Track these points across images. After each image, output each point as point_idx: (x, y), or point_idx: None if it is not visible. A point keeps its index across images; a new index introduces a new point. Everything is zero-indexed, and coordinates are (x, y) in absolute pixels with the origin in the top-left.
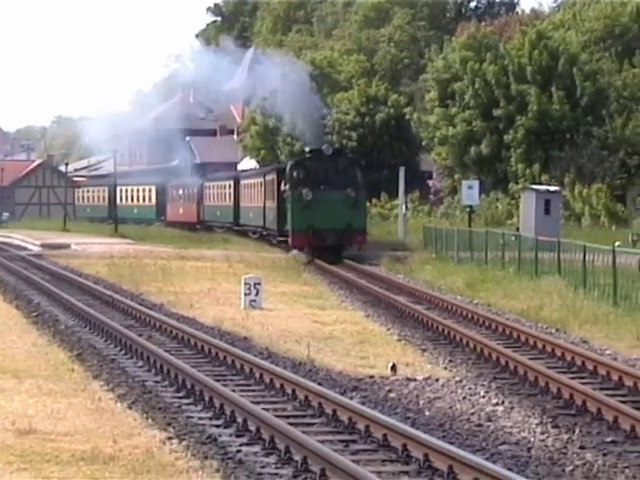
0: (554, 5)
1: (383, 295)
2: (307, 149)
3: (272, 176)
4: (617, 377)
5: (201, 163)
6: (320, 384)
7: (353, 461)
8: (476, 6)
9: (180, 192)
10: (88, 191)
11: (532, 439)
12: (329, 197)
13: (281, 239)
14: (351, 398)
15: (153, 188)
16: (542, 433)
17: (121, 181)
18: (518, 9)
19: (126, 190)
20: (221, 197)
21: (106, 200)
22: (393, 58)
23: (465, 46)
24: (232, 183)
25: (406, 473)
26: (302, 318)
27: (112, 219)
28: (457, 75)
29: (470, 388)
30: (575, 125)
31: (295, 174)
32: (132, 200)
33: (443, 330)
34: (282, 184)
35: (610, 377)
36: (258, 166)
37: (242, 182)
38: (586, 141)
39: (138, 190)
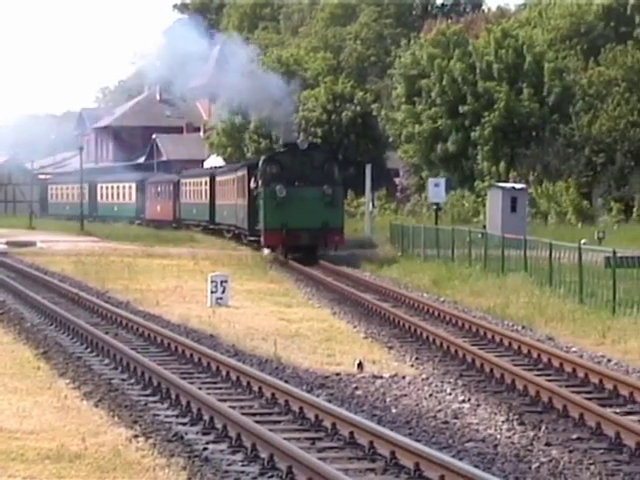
0: (520, 3)
1: (349, 293)
2: (280, 143)
3: (243, 172)
4: (583, 374)
5: (167, 160)
6: (287, 382)
7: (320, 459)
8: (442, 4)
9: (158, 189)
10: (67, 188)
11: (498, 436)
12: (304, 194)
13: (252, 238)
14: (318, 396)
15: (133, 185)
16: (508, 430)
17: (101, 178)
18: (484, 7)
19: (106, 187)
20: (197, 194)
21: (86, 197)
22: (359, 55)
23: (432, 43)
24: (208, 180)
25: (372, 470)
26: (268, 316)
27: (92, 217)
28: (424, 72)
29: (437, 385)
30: (542, 123)
31: (268, 169)
32: (112, 198)
33: (410, 327)
34: (252, 180)
35: (576, 374)
36: (224, 163)
37: (217, 179)
38: (552, 139)
39: (118, 187)
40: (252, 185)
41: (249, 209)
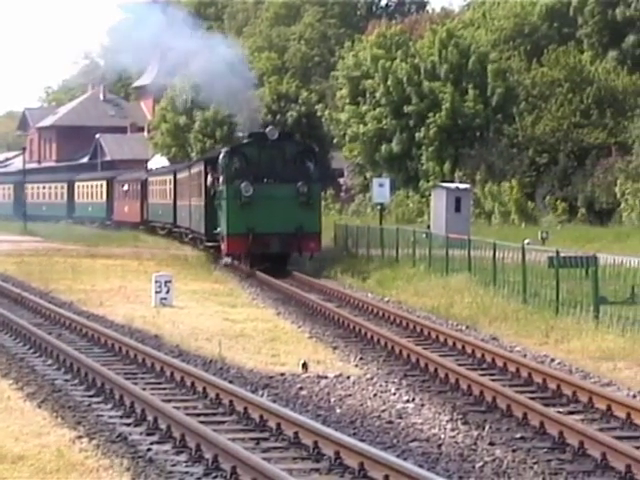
0: (464, 4)
1: (294, 293)
2: (241, 134)
3: (198, 168)
4: (526, 374)
5: (111, 160)
6: (231, 382)
7: (264, 459)
8: (387, 4)
9: (125, 188)
10: (44, 187)
11: (442, 436)
12: (274, 193)
13: (210, 244)
14: (262, 396)
15: (104, 183)
16: (452, 430)
17: (79, 177)
18: (428, 7)
19: (79, 186)
20: (162, 194)
21: (64, 197)
22: (304, 56)
23: (376, 44)
24: (172, 178)
25: (317, 471)
26: (213, 316)
27: (71, 217)
28: (368, 73)
29: (381, 385)
30: (486, 123)
31: (231, 164)
32: (85, 197)
33: (354, 327)
34: (209, 177)
35: (520, 374)
36: (169, 163)
37: (178, 176)
38: (496, 139)
39: (90, 186)
40: (209, 182)
41: (206, 211)
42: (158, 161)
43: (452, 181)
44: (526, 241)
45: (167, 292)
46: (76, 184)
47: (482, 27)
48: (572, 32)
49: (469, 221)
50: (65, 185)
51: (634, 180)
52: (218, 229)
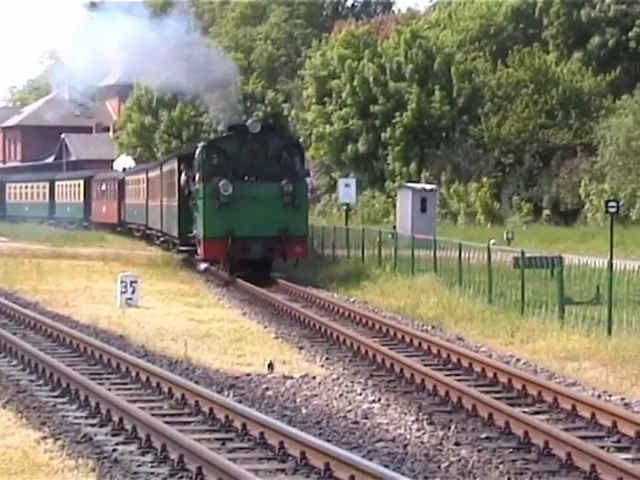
0: (430, 4)
1: (260, 293)
2: (220, 128)
3: (171, 165)
4: (492, 374)
5: (76, 160)
6: (197, 382)
7: (230, 459)
8: (353, 4)
9: (103, 187)
10: (26, 187)
11: (408, 436)
12: (256, 192)
13: (185, 249)
14: (228, 396)
15: (81, 183)
16: (418, 430)
17: (58, 176)
18: (394, 8)
19: (59, 186)
20: (136, 194)
21: (47, 197)
22: (270, 56)
23: (342, 44)
24: (144, 176)
25: (283, 471)
26: (179, 316)
27: (53, 218)
28: (335, 73)
29: (347, 386)
30: (452, 124)
31: (208, 160)
32: (64, 197)
33: (320, 328)
34: (183, 175)
35: (485, 374)
36: (134, 163)
37: (149, 174)
38: (462, 140)
39: (68, 186)
40: (183, 181)
41: (180, 212)
42: (123, 161)
43: (418, 181)
44: (492, 241)
45: (133, 292)
46: (56, 183)
47: (448, 28)
48: (537, 33)
49: (435, 221)
50: (47, 184)
51: (599, 181)
52: (194, 232)
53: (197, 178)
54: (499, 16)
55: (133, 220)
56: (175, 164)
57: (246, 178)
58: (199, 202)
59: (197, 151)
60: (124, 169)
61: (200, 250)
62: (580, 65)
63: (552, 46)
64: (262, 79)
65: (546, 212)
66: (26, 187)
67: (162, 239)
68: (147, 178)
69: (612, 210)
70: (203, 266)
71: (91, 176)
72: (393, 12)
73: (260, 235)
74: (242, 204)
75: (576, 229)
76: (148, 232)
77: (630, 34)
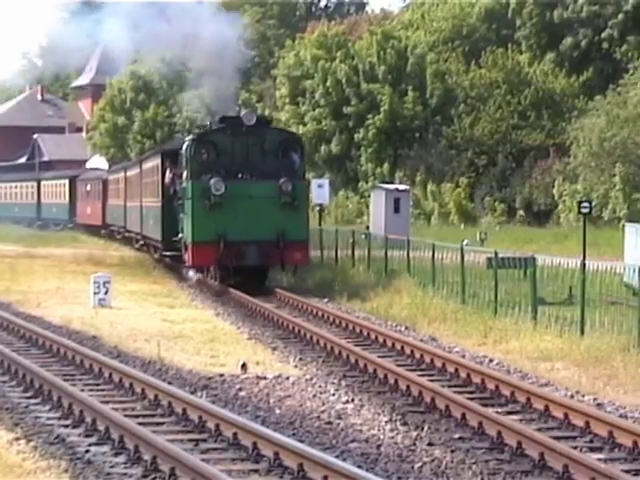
0: (403, 5)
1: (233, 293)
2: (207, 122)
3: (153, 162)
4: (465, 374)
5: (49, 161)
6: (170, 383)
7: (203, 460)
8: (326, 5)
9: (88, 187)
10: (15, 187)
11: (381, 436)
12: (251, 191)
13: (169, 254)
14: (201, 397)
15: (66, 183)
16: (391, 430)
17: (44, 175)
18: (368, 8)
19: (45, 186)
20: (116, 194)
21: (35, 197)
22: (243, 56)
23: (316, 44)
24: (123, 176)
25: (256, 472)
26: (152, 317)
27: (40, 219)
28: (308, 73)
29: (320, 386)
30: (425, 124)
31: (197, 156)
32: (49, 197)
33: (293, 328)
34: (168, 173)
35: (458, 374)
36: (107, 164)
37: (127, 173)
38: (435, 140)
39: (53, 185)
40: (168, 179)
41: (163, 213)
42: (96, 161)
43: (391, 182)
44: (465, 242)
45: (105, 293)
46: (42, 183)
47: (421, 28)
48: (510, 34)
49: (408, 222)
50: (35, 184)
51: (571, 182)
52: (179, 235)
53: (185, 176)
54: (472, 17)
55: (114, 222)
56: (158, 161)
57: (240, 176)
58: (187, 202)
59: (184, 146)
60: (110, 167)
61: (188, 256)
62: (553, 66)
63: (525, 47)
64: (235, 79)
65: (519, 212)
66: (15, 187)
67: (141, 242)
68: (125, 177)
69: (585, 211)
70: (193, 276)
71: (76, 175)
72: (366, 13)
73: (255, 239)
74: (235, 205)
75: (549, 230)
76: (127, 235)
77: (602, 35)
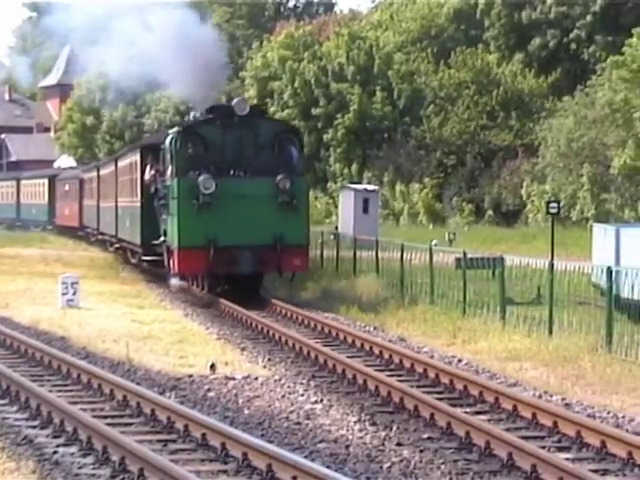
0: (372, 5)
1: (201, 294)
2: (195, 114)
3: (131, 159)
4: (434, 374)
5: (16, 161)
6: (139, 384)
7: (172, 461)
8: (295, 5)
9: (67, 187)
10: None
11: (350, 437)
12: (245, 189)
13: (148, 259)
14: (170, 397)
15: (45, 182)
16: (360, 430)
17: (23, 174)
18: (336, 9)
19: (24, 185)
20: (90, 194)
21: (14, 197)
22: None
23: (283, 45)
24: (96, 174)
25: (225, 472)
26: (120, 317)
27: (19, 220)
28: (276, 74)
29: (289, 386)
30: (393, 125)
31: (184, 150)
32: (29, 197)
33: (262, 329)
34: (148, 169)
35: (427, 374)
36: (75, 164)
37: (101, 171)
38: (404, 141)
39: (33, 185)
40: (148, 177)
41: (143, 214)
42: (65, 161)
43: (360, 182)
44: (433, 242)
45: (74, 293)
46: (21, 182)
47: (389, 29)
48: (479, 34)
49: (377, 222)
50: (14, 184)
51: (540, 182)
52: (161, 239)
53: (169, 173)
54: (440, 17)
55: (89, 223)
56: (137, 157)
57: (232, 172)
58: (172, 203)
59: (168, 139)
60: (85, 165)
61: (173, 263)
62: (521, 66)
63: (493, 47)
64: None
65: (488, 213)
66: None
67: (117, 246)
68: (98, 176)
69: (553, 211)
70: (176, 283)
71: (56, 175)
72: (335, 13)
73: (250, 244)
74: (227, 205)
75: (517, 230)
76: (100, 237)
77: (571, 36)
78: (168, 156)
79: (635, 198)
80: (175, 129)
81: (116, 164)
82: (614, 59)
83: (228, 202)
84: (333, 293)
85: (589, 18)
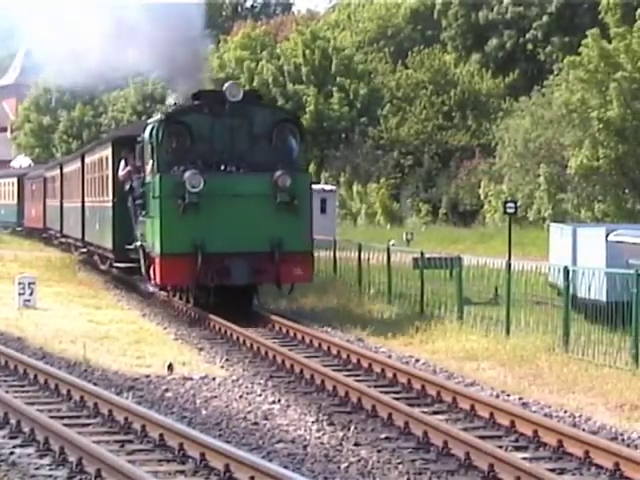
0: (329, 6)
1: (159, 294)
2: (173, 100)
3: (101, 154)
4: (391, 374)
5: None
6: (96, 384)
7: (129, 461)
8: (252, 5)
9: (34, 187)
10: None
11: (308, 437)
12: (238, 187)
13: (122, 265)
14: (127, 398)
15: (14, 181)
16: (318, 430)
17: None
18: (294, 9)
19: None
20: (54, 192)
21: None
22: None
23: (240, 45)
24: (59, 172)
25: (182, 473)
26: (77, 318)
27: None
28: (233, 75)
29: (247, 387)
30: (351, 125)
31: (167, 142)
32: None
33: (220, 329)
34: (122, 165)
35: (385, 374)
36: (32, 164)
37: (64, 169)
38: (361, 141)
39: (2, 184)
40: (122, 174)
41: (115, 215)
42: (21, 162)
43: (317, 182)
44: (391, 242)
45: (30, 294)
46: None
47: (347, 29)
48: (436, 35)
49: (335, 222)
50: None
51: (497, 182)
52: (137, 243)
53: (149, 169)
54: (398, 17)
55: (52, 225)
56: (108, 151)
57: (223, 167)
58: (153, 203)
59: (148, 130)
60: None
61: (154, 272)
62: (478, 67)
63: (451, 48)
64: (161, 80)
65: (445, 213)
66: None
67: (83, 250)
68: (61, 174)
69: (510, 211)
70: (151, 288)
71: (25, 174)
72: (293, 13)
73: (243, 250)
74: (217, 205)
75: (475, 230)
76: (64, 240)
77: (527, 36)
78: (148, 149)
79: (591, 198)
80: (156, 117)
81: (83, 160)
82: (570, 59)
83: (218, 202)
84: (290, 293)
85: (545, 19)
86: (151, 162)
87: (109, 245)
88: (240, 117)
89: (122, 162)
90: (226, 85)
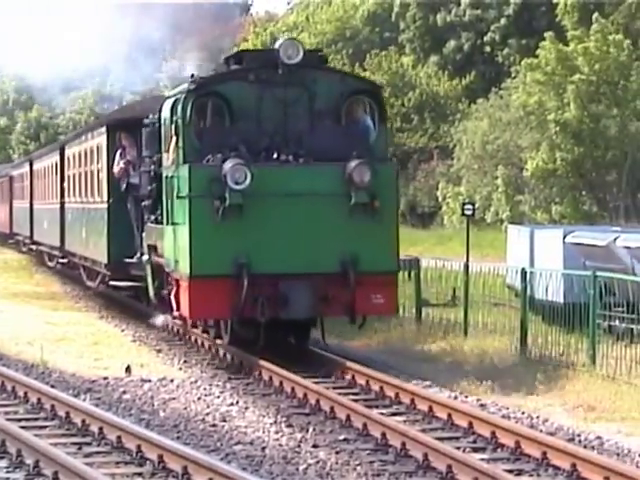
0: (287, 7)
1: (117, 296)
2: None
3: (91, 143)
4: (350, 376)
5: None
6: (53, 386)
7: (86, 464)
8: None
9: (3, 187)
10: None
11: (266, 438)
12: (297, 184)
13: (121, 284)
14: (84, 400)
15: None
16: (276, 432)
17: None
18: (252, 11)
19: None
20: (23, 192)
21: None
22: (128, 57)
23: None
24: (27, 169)
25: (140, 475)
26: (34, 319)
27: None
28: (193, 76)
29: (205, 389)
30: None
31: (196, 121)
32: None
33: (178, 331)
34: (118, 156)
35: (343, 376)
36: None
37: (35, 166)
38: None
39: None
40: (118, 168)
41: (110, 220)
42: None
43: None
44: None
45: None
46: None
47: (305, 31)
48: (394, 37)
49: None
50: None
51: (455, 184)
52: (143, 257)
53: (170, 157)
54: (355, 19)
55: (19, 230)
56: (101, 139)
57: (275, 156)
58: (178, 204)
59: (168, 106)
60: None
61: (180, 301)
62: (436, 69)
63: (409, 50)
64: (120, 81)
65: (403, 214)
66: None
67: (63, 261)
68: (30, 171)
69: (468, 213)
70: (160, 320)
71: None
72: (251, 15)
73: (305, 272)
74: (269, 209)
75: (433, 231)
76: (35, 248)
77: (485, 39)
78: (170, 131)
79: (549, 200)
80: (181, 87)
81: (62, 153)
82: (528, 62)
83: (270, 204)
84: None
85: (503, 21)
86: (173, 149)
87: (102, 258)
88: (298, 86)
89: (117, 154)
90: (280, 42)
